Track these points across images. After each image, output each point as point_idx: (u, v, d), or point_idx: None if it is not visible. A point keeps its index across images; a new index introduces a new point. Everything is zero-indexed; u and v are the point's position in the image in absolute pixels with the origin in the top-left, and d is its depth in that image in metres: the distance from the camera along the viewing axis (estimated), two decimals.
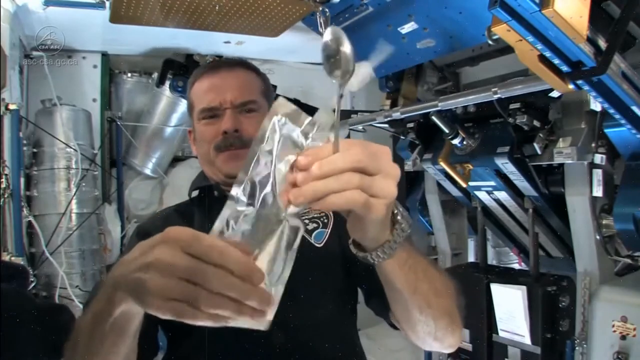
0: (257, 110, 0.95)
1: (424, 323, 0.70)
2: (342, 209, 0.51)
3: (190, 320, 0.44)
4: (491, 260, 2.71)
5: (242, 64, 1.00)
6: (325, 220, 0.94)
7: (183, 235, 0.45)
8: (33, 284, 1.99)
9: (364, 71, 0.49)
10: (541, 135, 1.59)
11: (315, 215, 0.94)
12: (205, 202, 0.97)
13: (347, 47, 0.48)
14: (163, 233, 0.47)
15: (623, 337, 1.45)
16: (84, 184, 2.24)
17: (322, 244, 0.91)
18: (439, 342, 0.74)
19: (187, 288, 0.43)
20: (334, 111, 0.50)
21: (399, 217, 0.58)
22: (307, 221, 0.92)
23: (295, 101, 2.40)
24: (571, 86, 1.13)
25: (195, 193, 1.00)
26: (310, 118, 0.51)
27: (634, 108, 1.22)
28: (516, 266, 2.57)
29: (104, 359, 0.58)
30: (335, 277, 0.91)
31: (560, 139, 1.56)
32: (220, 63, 1.00)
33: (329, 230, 0.93)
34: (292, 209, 0.49)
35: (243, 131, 0.91)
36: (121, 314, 0.52)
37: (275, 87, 1.37)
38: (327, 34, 0.49)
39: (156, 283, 0.44)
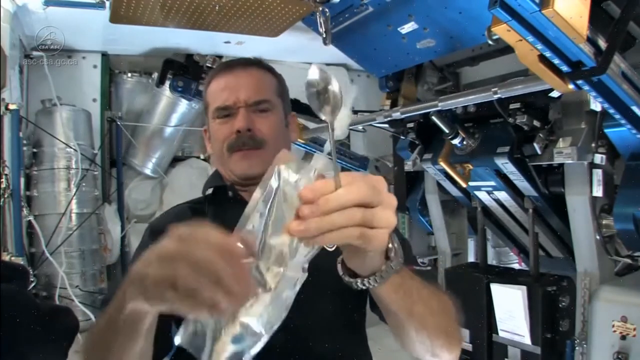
0: (270, 109, 0.94)
1: (420, 342, 0.70)
2: (341, 244, 0.51)
3: (188, 309, 0.46)
4: (491, 260, 2.71)
5: (257, 63, 0.99)
6: None
7: (180, 229, 0.48)
8: (33, 284, 1.99)
9: (344, 115, 0.49)
10: (541, 135, 1.59)
11: None
12: (219, 202, 0.97)
13: (335, 85, 0.48)
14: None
15: (623, 337, 1.45)
16: (84, 184, 2.24)
17: (333, 248, 0.91)
18: (437, 359, 0.74)
19: (177, 272, 0.45)
20: (329, 154, 0.51)
21: (392, 247, 0.58)
22: None
23: (295, 101, 2.39)
24: (571, 86, 1.13)
25: (209, 191, 0.99)
26: (309, 165, 0.51)
27: (634, 108, 1.22)
28: (516, 266, 2.57)
29: (118, 355, 0.60)
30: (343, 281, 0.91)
31: (560, 139, 1.56)
32: (236, 62, 0.99)
33: None
34: (300, 252, 0.49)
35: (256, 131, 0.91)
36: (133, 311, 0.54)
37: None
38: (313, 73, 0.50)
39: (154, 273, 0.47)
